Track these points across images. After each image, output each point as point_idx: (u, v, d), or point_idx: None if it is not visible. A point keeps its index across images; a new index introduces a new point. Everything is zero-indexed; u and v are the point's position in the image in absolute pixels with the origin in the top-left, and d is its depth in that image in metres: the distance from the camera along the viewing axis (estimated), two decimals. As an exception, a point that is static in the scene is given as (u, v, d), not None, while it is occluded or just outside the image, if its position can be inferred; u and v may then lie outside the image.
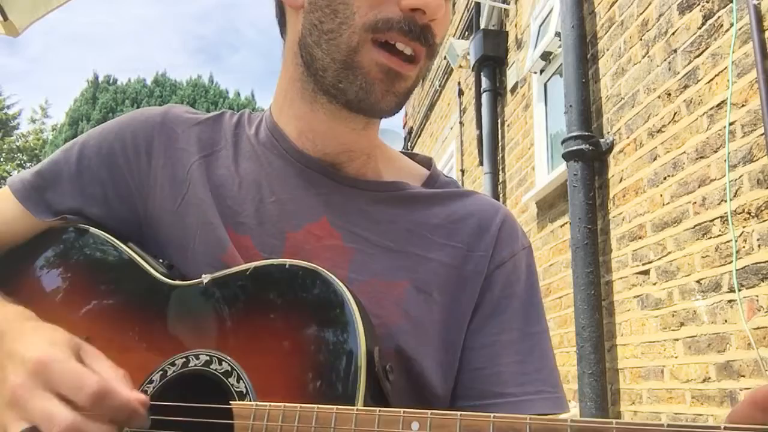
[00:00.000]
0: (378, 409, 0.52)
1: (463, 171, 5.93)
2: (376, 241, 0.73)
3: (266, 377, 0.61)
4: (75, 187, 0.77)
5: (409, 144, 9.03)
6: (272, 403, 0.55)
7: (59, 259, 0.77)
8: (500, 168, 4.92)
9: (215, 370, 0.62)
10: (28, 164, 19.85)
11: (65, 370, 0.57)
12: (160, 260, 0.73)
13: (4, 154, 19.45)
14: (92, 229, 0.76)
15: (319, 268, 0.63)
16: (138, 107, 15.89)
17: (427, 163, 0.84)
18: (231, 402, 0.58)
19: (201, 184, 0.75)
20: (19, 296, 0.74)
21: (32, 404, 0.56)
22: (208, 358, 0.64)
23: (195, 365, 0.64)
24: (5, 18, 2.32)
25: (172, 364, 0.65)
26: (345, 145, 0.76)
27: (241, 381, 0.61)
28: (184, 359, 0.65)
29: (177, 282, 0.70)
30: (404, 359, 0.69)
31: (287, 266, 0.64)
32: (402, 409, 0.51)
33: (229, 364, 0.62)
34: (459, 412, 0.49)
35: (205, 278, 0.67)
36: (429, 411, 0.50)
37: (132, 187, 0.76)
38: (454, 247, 0.75)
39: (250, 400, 0.59)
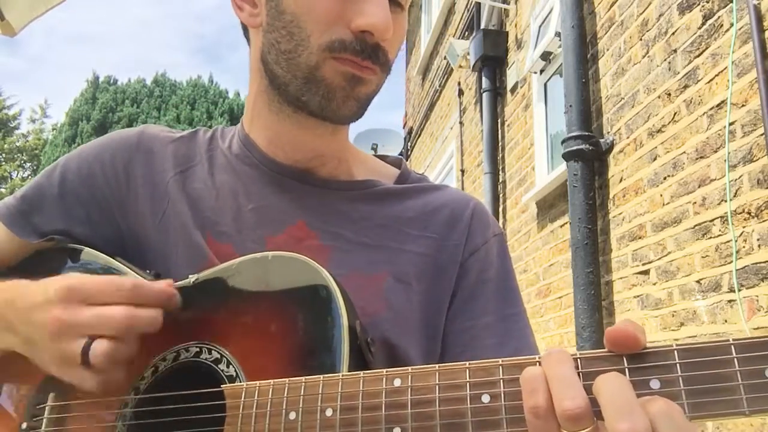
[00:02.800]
0: (362, 372, 0.55)
1: (463, 171, 5.93)
2: (353, 237, 0.76)
3: (254, 359, 0.63)
4: (59, 209, 0.79)
5: (409, 144, 9.03)
6: (261, 381, 0.58)
7: (50, 275, 0.78)
8: (500, 168, 4.92)
9: (205, 359, 0.65)
10: (28, 164, 19.87)
11: (95, 283, 0.62)
12: (147, 270, 0.75)
13: (4, 155, 19.45)
14: (79, 247, 0.78)
15: (300, 255, 0.66)
16: (138, 107, 15.98)
17: (397, 163, 0.88)
18: (222, 385, 0.60)
19: (179, 199, 0.78)
20: None
21: (81, 320, 0.60)
22: (198, 349, 0.66)
23: (186, 357, 0.66)
24: (2, 18, 2.31)
25: (163, 359, 0.67)
26: (315, 151, 0.79)
27: (230, 366, 0.63)
28: (175, 353, 0.67)
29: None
30: (389, 348, 0.71)
31: (270, 257, 0.67)
32: (385, 369, 0.54)
33: (218, 352, 0.64)
34: (437, 364, 0.52)
35: (192, 277, 0.70)
36: (410, 367, 0.53)
37: (113, 205, 0.79)
38: (429, 237, 0.78)
39: (240, 382, 0.61)
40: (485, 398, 0.49)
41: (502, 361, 0.50)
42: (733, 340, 0.45)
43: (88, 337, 0.60)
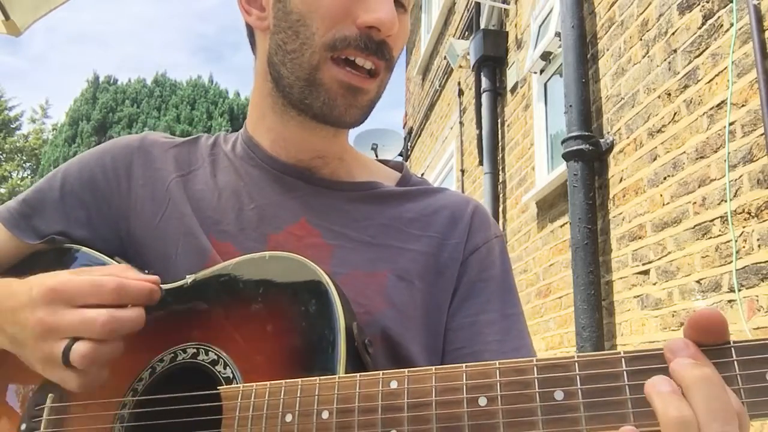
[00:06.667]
0: (358, 374, 0.54)
1: (463, 171, 5.93)
2: (355, 236, 0.77)
3: (251, 361, 0.63)
4: (59, 212, 0.80)
5: (409, 144, 9.02)
6: (258, 383, 0.58)
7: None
8: (500, 168, 4.92)
9: (202, 360, 0.65)
10: (28, 164, 19.88)
11: (79, 284, 0.62)
12: (146, 271, 0.75)
13: (4, 155, 19.46)
14: (76, 246, 0.78)
15: (297, 255, 0.65)
16: (138, 107, 15.98)
17: (398, 167, 0.89)
18: (218, 387, 0.60)
19: (181, 200, 0.78)
20: None
21: (65, 322, 0.61)
22: (195, 350, 0.66)
23: (183, 359, 0.66)
24: (7, 17, 2.32)
25: (161, 360, 0.67)
26: (317, 152, 0.80)
27: (227, 367, 0.63)
28: (172, 355, 0.67)
29: (162, 285, 0.72)
30: (391, 344, 0.71)
31: (267, 257, 0.67)
32: (381, 371, 0.54)
33: (215, 354, 0.64)
34: (434, 367, 0.52)
35: (189, 278, 0.70)
36: (406, 369, 0.53)
37: (113, 208, 0.80)
38: (430, 237, 0.78)
39: (237, 384, 0.61)
40: (482, 401, 0.49)
41: (499, 363, 0.50)
42: (735, 342, 0.45)
43: (71, 339, 0.61)
